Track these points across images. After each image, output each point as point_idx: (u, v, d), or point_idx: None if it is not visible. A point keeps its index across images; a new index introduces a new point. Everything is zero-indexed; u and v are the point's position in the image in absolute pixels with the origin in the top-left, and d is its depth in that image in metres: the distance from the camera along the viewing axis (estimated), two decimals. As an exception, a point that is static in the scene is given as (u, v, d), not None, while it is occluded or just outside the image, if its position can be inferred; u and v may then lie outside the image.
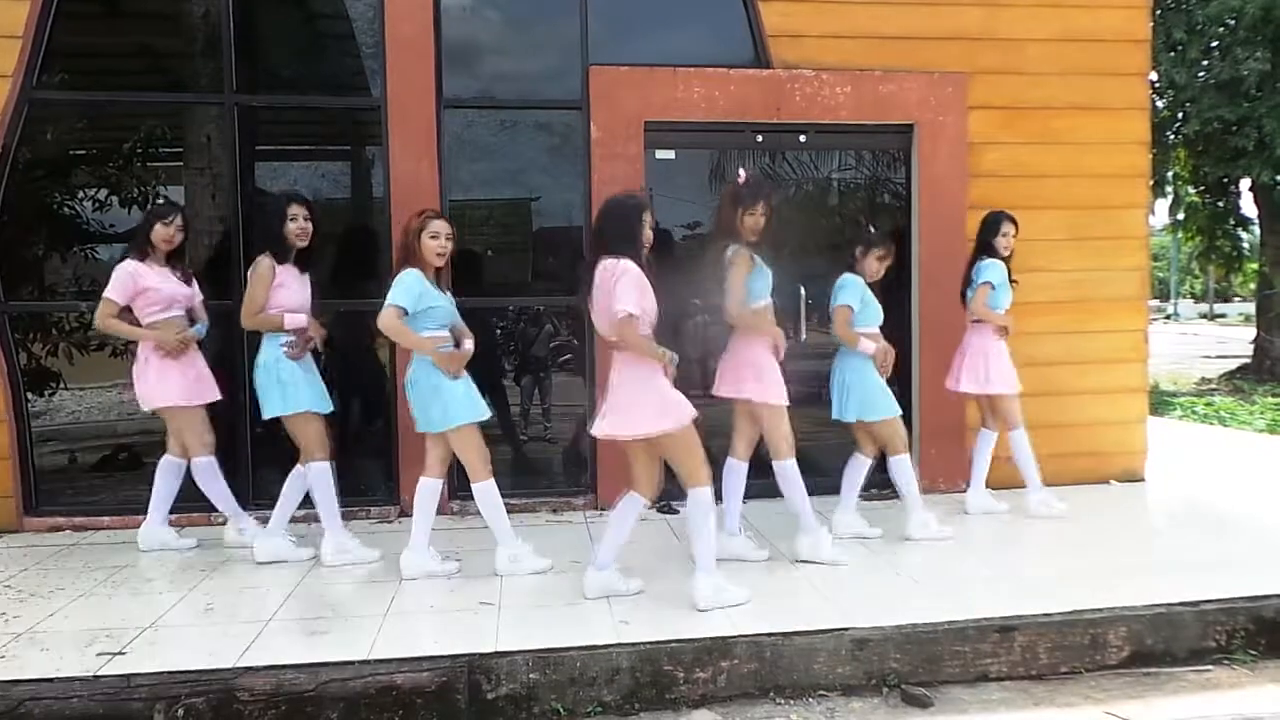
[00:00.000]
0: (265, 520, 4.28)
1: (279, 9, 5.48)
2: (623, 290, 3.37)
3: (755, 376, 3.99)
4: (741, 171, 4.14)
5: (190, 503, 4.58)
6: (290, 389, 4.04)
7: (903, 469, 4.38)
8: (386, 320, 3.73)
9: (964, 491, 5.06)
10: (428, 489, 3.97)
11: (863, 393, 4.32)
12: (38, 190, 5.09)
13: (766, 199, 3.96)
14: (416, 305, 3.76)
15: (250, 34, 5.07)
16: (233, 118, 4.96)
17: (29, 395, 4.99)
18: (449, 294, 3.97)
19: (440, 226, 3.82)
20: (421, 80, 4.98)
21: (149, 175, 5.19)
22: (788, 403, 4.02)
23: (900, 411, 4.40)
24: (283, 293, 4.08)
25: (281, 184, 5.25)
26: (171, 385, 4.19)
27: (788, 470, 4.02)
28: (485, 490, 3.91)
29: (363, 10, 5.17)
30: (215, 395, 4.31)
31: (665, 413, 3.44)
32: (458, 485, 5.13)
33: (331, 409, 4.19)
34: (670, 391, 3.47)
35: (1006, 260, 4.78)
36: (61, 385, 5.14)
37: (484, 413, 3.89)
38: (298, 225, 4.07)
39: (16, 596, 3.79)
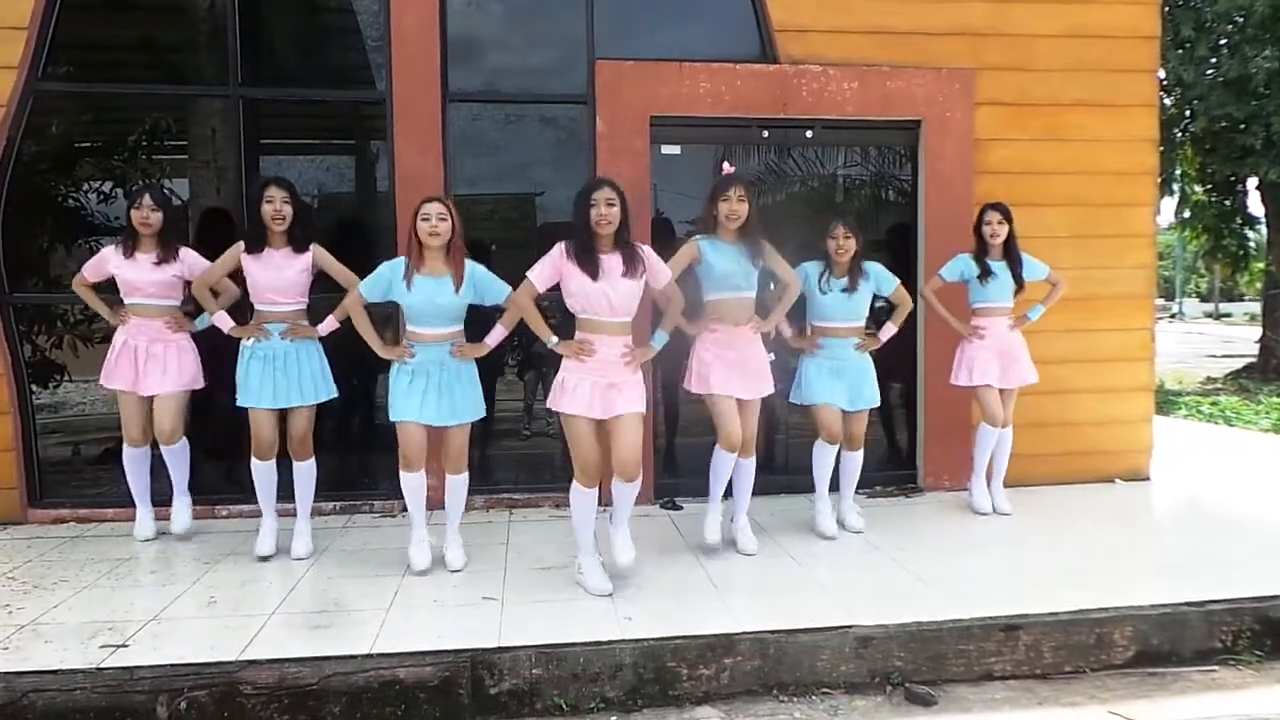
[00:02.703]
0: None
1: (284, 2, 5.47)
2: None
3: (689, 368, 4.13)
4: (726, 164, 4.17)
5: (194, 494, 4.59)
6: (244, 383, 4.09)
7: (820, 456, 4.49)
8: (346, 299, 3.91)
9: (967, 489, 5.03)
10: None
11: (800, 377, 4.48)
12: (43, 182, 5.09)
13: (739, 185, 3.98)
14: (375, 296, 3.84)
15: (255, 27, 5.06)
16: (238, 110, 4.96)
17: (33, 387, 4.99)
18: (452, 284, 3.82)
19: (430, 208, 3.79)
20: (426, 74, 4.96)
21: (154, 168, 5.18)
22: (717, 393, 4.03)
23: (830, 404, 4.38)
24: (248, 281, 4.11)
25: (286, 177, 5.23)
26: (114, 368, 4.30)
27: (714, 457, 4.14)
28: (403, 480, 3.94)
29: (368, 4, 5.15)
30: (154, 389, 4.26)
31: (553, 394, 3.66)
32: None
33: (277, 405, 4.09)
34: (564, 377, 3.63)
35: (1007, 246, 4.73)
36: (66, 377, 5.14)
37: (412, 416, 3.83)
38: (273, 208, 4.02)
39: (20, 588, 3.80)
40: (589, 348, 3.59)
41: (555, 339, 3.69)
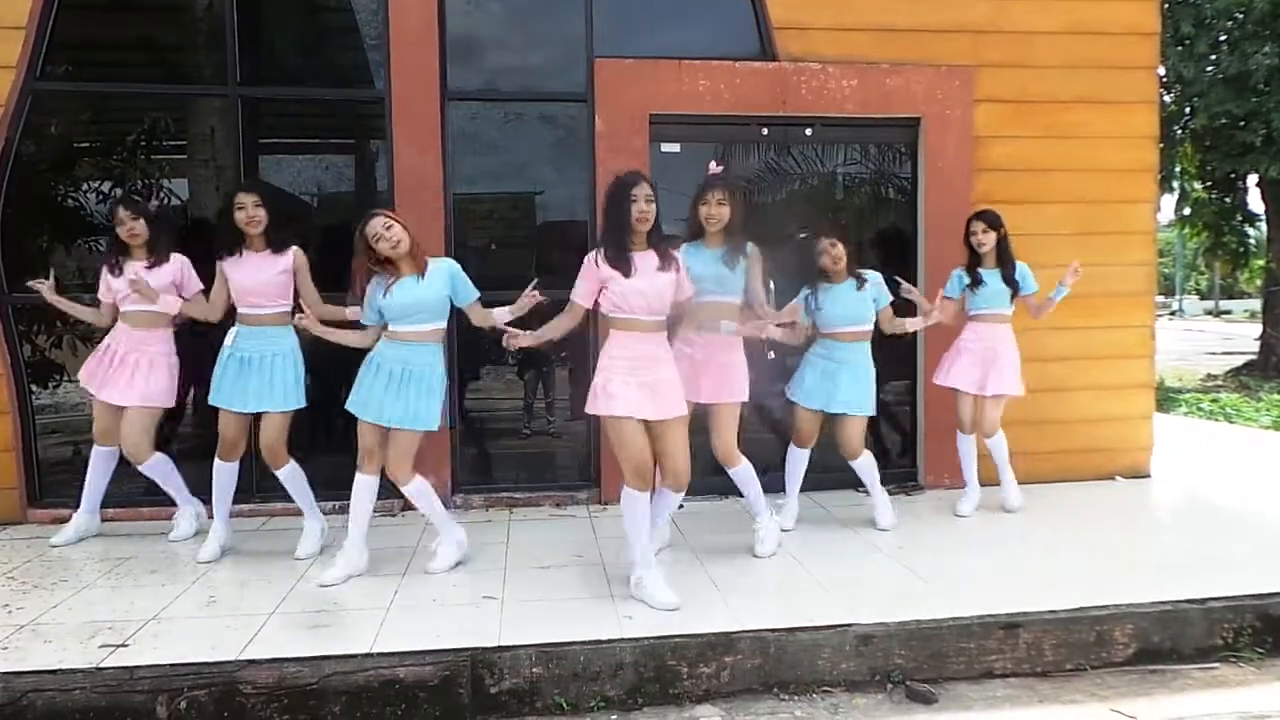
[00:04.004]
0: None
1: (283, 1, 5.46)
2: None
3: None
4: (713, 164, 4.10)
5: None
6: (218, 383, 4.12)
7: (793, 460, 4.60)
8: (362, 335, 3.98)
9: (964, 488, 5.02)
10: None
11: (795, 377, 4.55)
12: (41, 182, 5.09)
13: (718, 188, 3.93)
14: (375, 319, 3.88)
15: (254, 26, 5.06)
16: (236, 110, 4.95)
17: (33, 387, 4.99)
18: (419, 280, 3.82)
19: (376, 225, 3.76)
20: (425, 73, 4.96)
21: (153, 167, 5.18)
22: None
23: (806, 405, 4.45)
24: (230, 285, 4.14)
25: (285, 176, 5.24)
26: (89, 367, 4.32)
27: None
28: (355, 480, 3.92)
29: (366, 3, 5.15)
30: (112, 397, 4.23)
31: (592, 398, 3.55)
32: (461, 480, 5.14)
33: (246, 410, 4.10)
34: (604, 380, 3.52)
35: (1001, 252, 4.72)
36: (66, 377, 5.14)
37: (360, 412, 3.84)
38: (245, 214, 4.05)
39: (19, 588, 3.80)
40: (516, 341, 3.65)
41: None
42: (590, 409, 3.56)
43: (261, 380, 4.07)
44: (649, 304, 3.53)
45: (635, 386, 3.48)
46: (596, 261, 3.55)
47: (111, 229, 4.31)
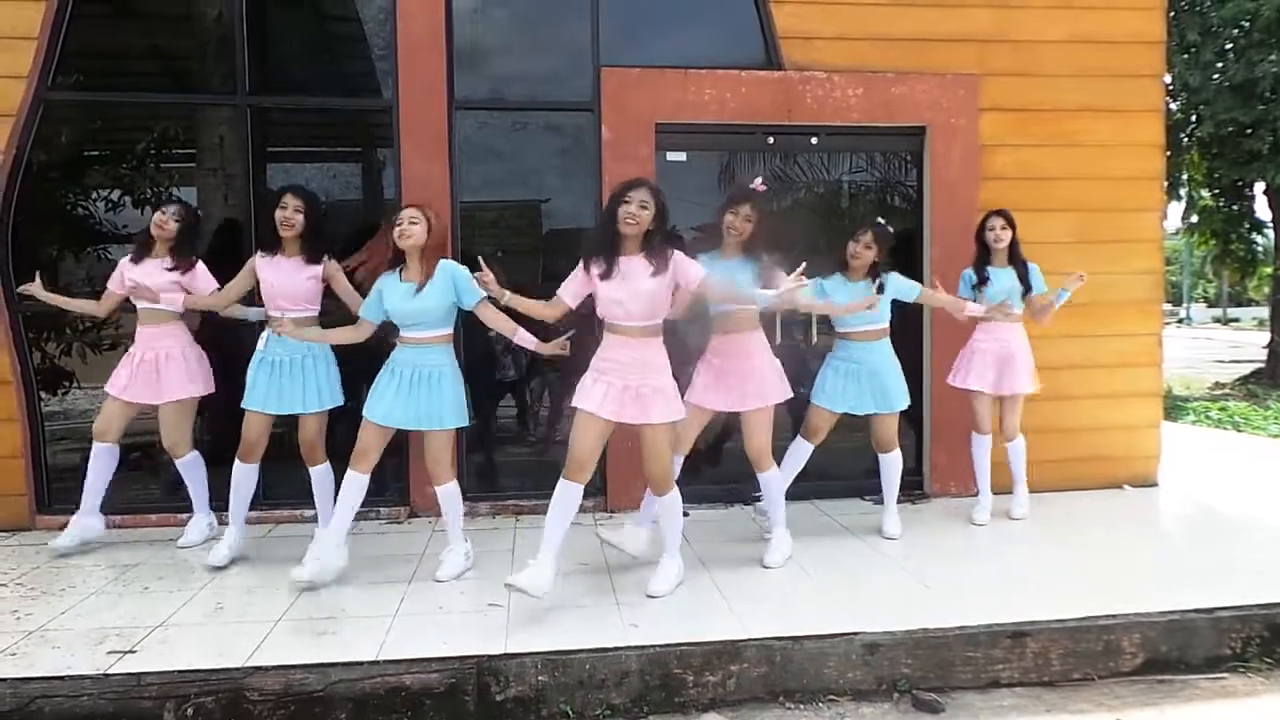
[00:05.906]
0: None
1: (291, 11, 5.50)
2: None
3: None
4: (759, 180, 4.11)
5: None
6: (251, 387, 4.15)
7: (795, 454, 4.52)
8: (349, 330, 4.04)
9: (975, 496, 5.01)
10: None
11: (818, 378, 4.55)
12: (51, 190, 5.12)
13: (751, 204, 3.93)
14: (376, 315, 3.91)
15: (263, 35, 5.09)
16: (245, 119, 4.98)
17: (42, 394, 5.01)
18: (421, 290, 3.81)
19: (404, 213, 3.86)
20: (433, 82, 4.98)
21: (162, 176, 5.21)
22: (689, 400, 4.02)
23: (817, 404, 4.47)
24: (261, 284, 4.18)
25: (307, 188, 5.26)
26: (115, 373, 4.36)
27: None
28: (344, 479, 3.89)
29: (375, 12, 5.18)
30: (142, 397, 4.30)
31: (576, 392, 3.65)
32: (467, 487, 5.14)
33: (280, 412, 4.13)
34: (585, 376, 3.63)
35: (1012, 253, 4.74)
36: (75, 384, 5.17)
37: (370, 413, 3.85)
38: (284, 214, 4.10)
39: (28, 594, 3.81)
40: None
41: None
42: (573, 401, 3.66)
43: (295, 382, 4.11)
44: (626, 311, 3.55)
45: (606, 385, 3.55)
46: (585, 263, 3.62)
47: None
